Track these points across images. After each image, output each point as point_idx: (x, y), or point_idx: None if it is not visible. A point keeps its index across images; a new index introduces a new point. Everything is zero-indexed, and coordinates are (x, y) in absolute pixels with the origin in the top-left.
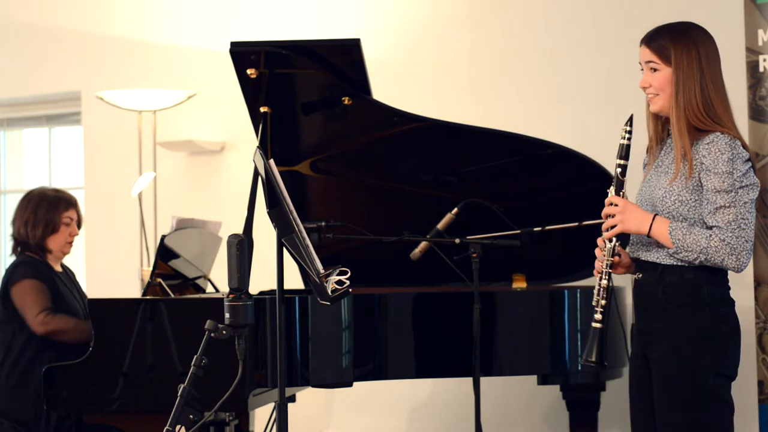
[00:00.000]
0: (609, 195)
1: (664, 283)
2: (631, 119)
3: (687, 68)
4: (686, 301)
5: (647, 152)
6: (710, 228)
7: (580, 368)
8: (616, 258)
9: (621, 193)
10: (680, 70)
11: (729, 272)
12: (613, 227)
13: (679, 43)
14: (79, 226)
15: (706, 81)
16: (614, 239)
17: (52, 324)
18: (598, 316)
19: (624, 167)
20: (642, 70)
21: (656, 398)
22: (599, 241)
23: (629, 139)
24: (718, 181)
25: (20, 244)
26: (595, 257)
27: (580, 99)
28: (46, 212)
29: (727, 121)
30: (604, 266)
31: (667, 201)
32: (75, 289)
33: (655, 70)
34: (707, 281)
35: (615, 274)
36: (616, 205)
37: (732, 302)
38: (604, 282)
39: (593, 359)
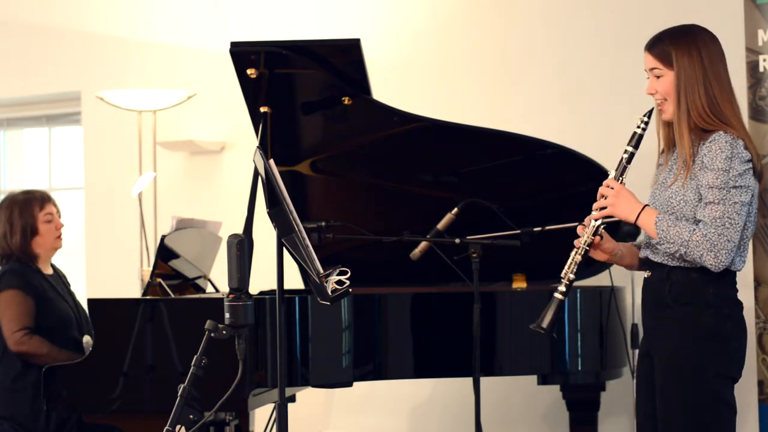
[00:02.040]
0: (609, 177)
1: (671, 281)
2: (650, 111)
3: (689, 70)
4: (690, 300)
5: (660, 154)
6: (697, 223)
7: (580, 368)
8: (597, 238)
9: (621, 178)
10: (682, 72)
11: (737, 274)
12: (603, 209)
13: (681, 46)
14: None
15: (709, 81)
16: (600, 220)
17: (27, 346)
18: (562, 288)
19: (631, 155)
20: (648, 77)
21: (657, 396)
22: (586, 219)
23: (644, 129)
24: (713, 177)
25: (5, 256)
26: (594, 257)
27: (580, 99)
28: (20, 217)
29: (735, 121)
30: (583, 243)
31: (673, 201)
32: (66, 292)
33: (659, 76)
34: (713, 282)
35: (596, 259)
36: (612, 188)
37: (738, 303)
38: (578, 257)
39: (544, 326)
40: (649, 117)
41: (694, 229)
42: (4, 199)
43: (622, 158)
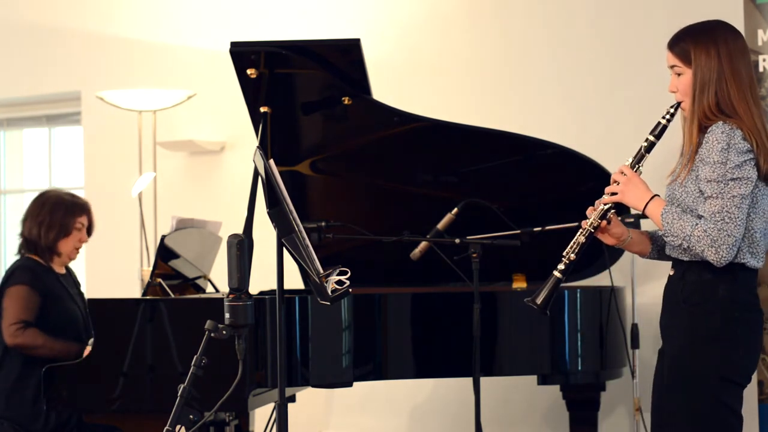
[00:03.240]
0: (626, 163)
1: (685, 281)
2: (678, 104)
3: (705, 68)
4: (700, 300)
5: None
6: (700, 217)
7: (580, 368)
8: (603, 222)
9: (637, 167)
10: (699, 71)
11: (757, 274)
12: (614, 194)
13: (699, 44)
14: (89, 233)
15: (725, 79)
16: (609, 204)
17: (20, 339)
18: (561, 267)
19: (651, 144)
20: (671, 74)
21: (663, 394)
22: (596, 202)
23: (668, 120)
24: (710, 171)
25: (29, 243)
26: (594, 256)
27: (580, 99)
28: (63, 216)
29: (746, 117)
30: (588, 225)
31: (677, 193)
32: (76, 292)
33: (679, 74)
34: (725, 283)
35: (605, 242)
36: (625, 175)
37: (754, 307)
38: (582, 239)
39: (538, 302)
40: (675, 109)
41: (697, 224)
42: (51, 195)
43: (641, 146)
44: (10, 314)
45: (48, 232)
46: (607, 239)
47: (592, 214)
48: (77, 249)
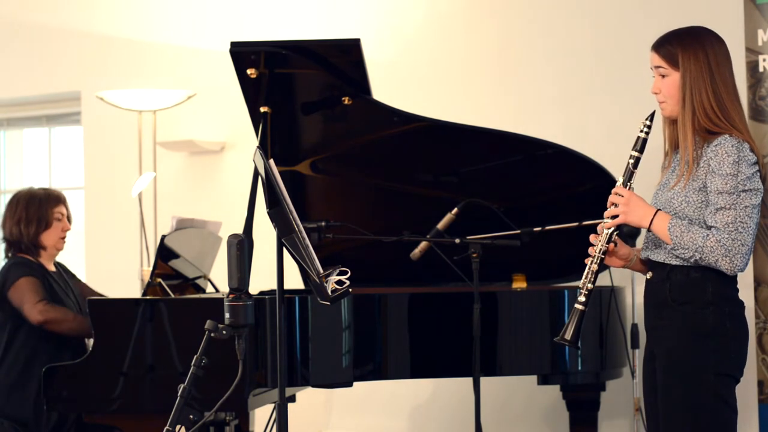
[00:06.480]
0: (617, 184)
1: (671, 281)
2: (652, 115)
3: (695, 72)
4: (690, 299)
5: (665, 156)
6: (709, 228)
7: (580, 368)
8: (611, 245)
9: (629, 184)
10: (688, 74)
11: (738, 274)
12: (615, 217)
13: (688, 48)
14: (69, 221)
15: (717, 83)
16: (613, 228)
17: (51, 313)
18: (581, 299)
19: (637, 159)
20: (654, 76)
21: (659, 394)
22: (598, 227)
23: (647, 133)
24: (721, 183)
25: (13, 244)
26: (610, 264)
27: (579, 99)
28: (38, 209)
29: (740, 124)
30: (597, 251)
31: (675, 202)
32: (69, 288)
33: (664, 75)
34: (713, 280)
35: (612, 266)
36: (622, 196)
37: (739, 303)
38: (594, 266)
39: (569, 338)
40: (651, 120)
41: (708, 235)
42: (22, 192)
43: (628, 164)
44: (31, 296)
45: (27, 227)
46: (615, 262)
47: (597, 240)
48: (62, 239)
